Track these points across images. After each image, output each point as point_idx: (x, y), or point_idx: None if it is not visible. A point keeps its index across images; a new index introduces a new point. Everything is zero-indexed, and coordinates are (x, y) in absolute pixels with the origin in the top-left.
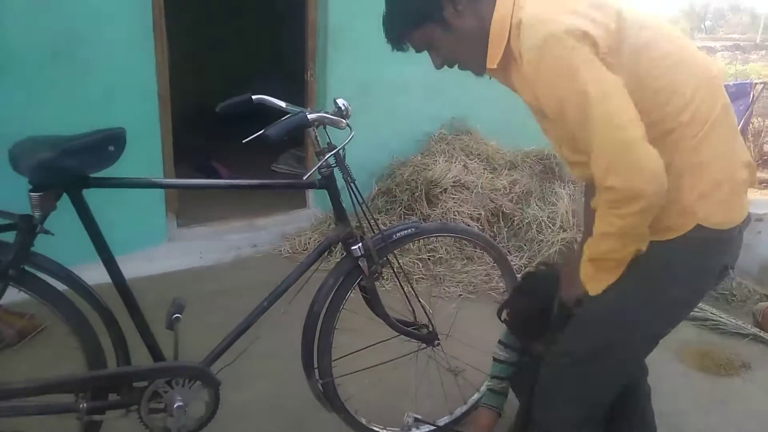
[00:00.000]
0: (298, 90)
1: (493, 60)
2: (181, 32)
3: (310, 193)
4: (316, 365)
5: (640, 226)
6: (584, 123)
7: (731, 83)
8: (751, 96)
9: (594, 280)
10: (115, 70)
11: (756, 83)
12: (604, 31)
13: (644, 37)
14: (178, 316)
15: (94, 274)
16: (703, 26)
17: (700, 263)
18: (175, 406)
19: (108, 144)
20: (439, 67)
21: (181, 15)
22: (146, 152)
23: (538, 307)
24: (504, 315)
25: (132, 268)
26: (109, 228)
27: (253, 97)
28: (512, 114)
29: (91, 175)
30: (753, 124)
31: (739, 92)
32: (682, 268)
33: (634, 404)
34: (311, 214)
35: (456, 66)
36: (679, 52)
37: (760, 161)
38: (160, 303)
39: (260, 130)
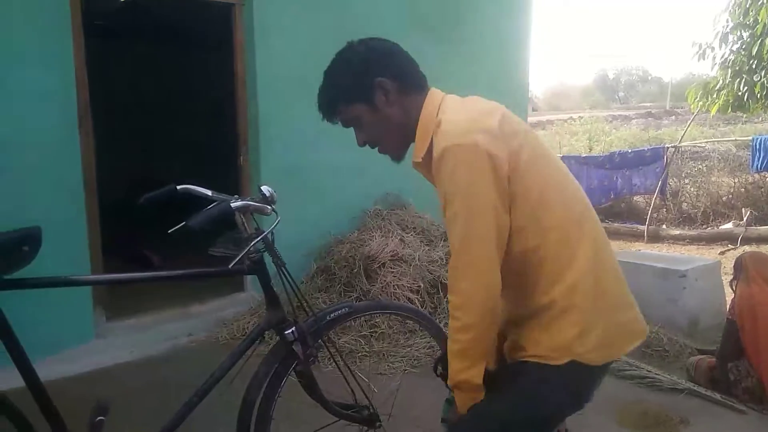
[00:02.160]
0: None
1: (418, 154)
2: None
3: (248, 276)
4: None
5: (477, 348)
6: (451, 230)
7: (647, 148)
8: (665, 159)
9: (461, 402)
10: (38, 166)
11: (668, 147)
12: (508, 154)
13: (531, 177)
14: (102, 419)
15: (9, 377)
16: (617, 97)
17: (569, 389)
18: None
19: (22, 244)
20: (361, 145)
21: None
22: (72, 246)
23: None
24: (439, 369)
25: (58, 368)
26: (33, 328)
27: (178, 187)
28: None
29: (6, 277)
30: (670, 185)
31: (654, 156)
32: (554, 390)
33: None
34: (249, 298)
35: (377, 148)
36: (558, 192)
37: (681, 219)
38: (86, 404)
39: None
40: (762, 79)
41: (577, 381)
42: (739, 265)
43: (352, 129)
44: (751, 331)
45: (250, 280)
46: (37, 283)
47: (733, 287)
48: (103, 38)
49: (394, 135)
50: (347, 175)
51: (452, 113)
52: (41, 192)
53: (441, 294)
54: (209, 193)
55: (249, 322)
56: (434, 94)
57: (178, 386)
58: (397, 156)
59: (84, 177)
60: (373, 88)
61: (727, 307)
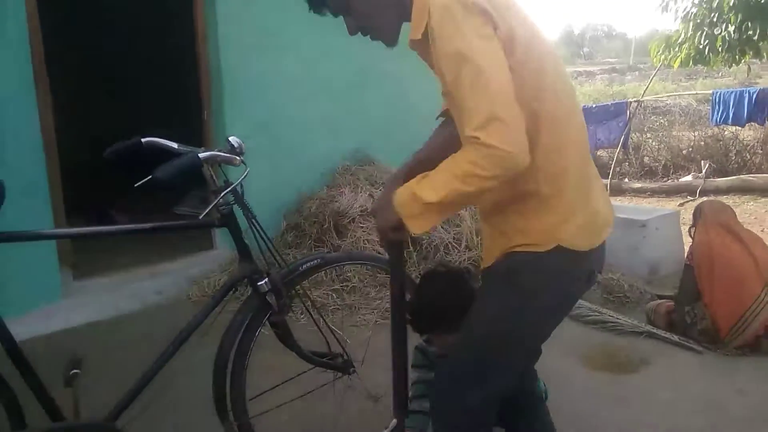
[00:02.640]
0: (196, 132)
1: (416, 31)
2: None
3: (217, 233)
4: (229, 407)
5: (484, 190)
6: (472, 89)
7: (610, 103)
8: (628, 114)
9: (418, 219)
10: None
11: (631, 102)
12: (505, 27)
13: (526, 52)
14: (77, 372)
15: None
16: (582, 52)
17: (565, 273)
18: None
19: None
20: (353, 33)
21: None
22: (34, 207)
23: (436, 302)
24: (408, 315)
25: (28, 328)
26: (0, 288)
27: (143, 139)
28: (411, 143)
29: None
30: (632, 139)
31: (618, 111)
32: (550, 276)
33: (530, 406)
34: (219, 255)
35: (369, 35)
36: (551, 77)
37: (642, 173)
38: (59, 362)
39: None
40: (723, 33)
41: (569, 265)
42: (698, 213)
43: (319, 84)
44: (707, 276)
45: (220, 238)
46: (7, 238)
47: (692, 234)
48: None
49: (387, 15)
50: (316, 131)
51: None
52: (2, 146)
53: (411, 248)
54: (175, 145)
55: (219, 280)
56: None
57: (150, 343)
58: (392, 39)
59: (43, 134)
60: None
61: (686, 254)
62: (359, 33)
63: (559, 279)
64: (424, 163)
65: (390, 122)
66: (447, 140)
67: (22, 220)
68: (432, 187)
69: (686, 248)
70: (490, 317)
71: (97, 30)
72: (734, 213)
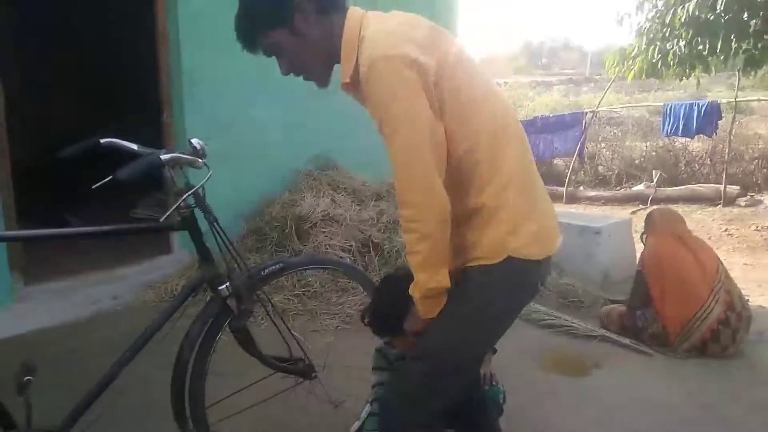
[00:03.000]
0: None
1: (346, 75)
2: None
3: (175, 237)
4: (188, 414)
5: (438, 255)
6: (390, 144)
7: (567, 113)
8: (584, 124)
9: (428, 309)
10: None
11: (587, 112)
12: (436, 61)
13: (458, 80)
14: (30, 379)
15: None
16: (540, 63)
17: (514, 283)
18: None
19: None
20: (285, 73)
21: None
22: None
23: (396, 304)
24: (366, 318)
25: None
26: None
27: (102, 140)
28: (373, 148)
29: None
30: (587, 148)
31: (574, 121)
32: (497, 288)
33: (479, 409)
34: (176, 259)
35: (301, 76)
36: (483, 96)
37: (596, 182)
38: (9, 369)
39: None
40: (674, 47)
41: (519, 275)
42: (649, 221)
43: (281, 87)
44: (657, 282)
45: (178, 241)
46: None
47: (643, 241)
48: None
49: (318, 58)
50: (277, 134)
51: (377, 25)
52: None
53: (372, 253)
54: (135, 147)
55: (177, 284)
56: (355, 12)
57: (105, 349)
58: (323, 81)
59: None
60: (291, 11)
61: (637, 260)
62: (291, 74)
63: (509, 289)
64: None
65: (352, 127)
66: None
67: None
68: (414, 285)
69: (638, 254)
70: (442, 330)
71: (56, 29)
72: (684, 221)
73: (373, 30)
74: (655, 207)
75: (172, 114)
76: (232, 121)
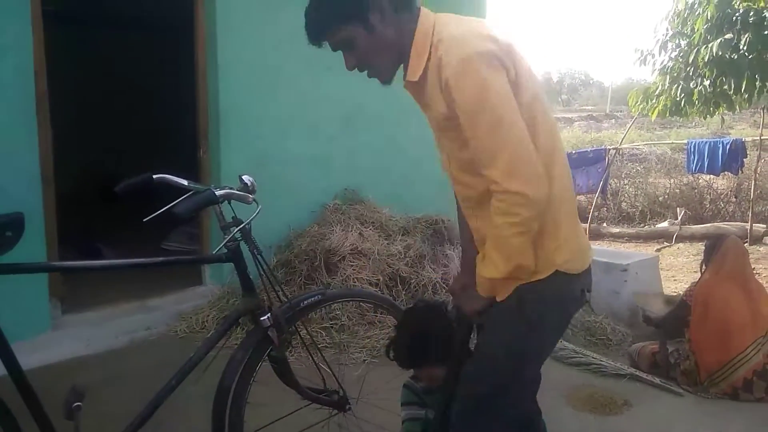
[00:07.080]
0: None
1: (414, 73)
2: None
3: (207, 269)
4: None
5: (524, 239)
6: (493, 136)
7: (589, 149)
8: (606, 161)
9: (500, 290)
10: None
11: (610, 149)
12: (512, 67)
13: (526, 91)
14: (79, 405)
15: None
16: (560, 99)
17: (563, 295)
18: None
19: (5, 229)
20: (351, 68)
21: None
22: (28, 237)
23: (420, 334)
24: (392, 353)
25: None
26: None
27: (155, 176)
28: (401, 184)
29: None
30: (611, 185)
31: (597, 157)
32: (552, 300)
33: None
34: (207, 291)
35: (366, 72)
36: (543, 113)
37: (620, 218)
38: (45, 396)
39: (146, 207)
40: (699, 86)
41: (566, 286)
42: (715, 252)
43: (312, 123)
44: (700, 318)
45: (209, 274)
46: (14, 269)
47: (702, 270)
48: (60, 24)
49: (387, 56)
50: (307, 169)
51: (455, 27)
52: (3, 178)
53: (399, 287)
54: (185, 182)
55: (208, 316)
56: (427, 13)
57: (140, 379)
58: (388, 79)
59: (41, 167)
60: (369, 7)
61: (686, 290)
62: (356, 69)
63: (559, 301)
64: (468, 252)
65: (379, 163)
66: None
67: (15, 250)
68: (493, 265)
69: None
70: (504, 347)
71: (96, 63)
72: (748, 259)
73: (453, 29)
74: (723, 235)
75: (209, 149)
76: (265, 155)
